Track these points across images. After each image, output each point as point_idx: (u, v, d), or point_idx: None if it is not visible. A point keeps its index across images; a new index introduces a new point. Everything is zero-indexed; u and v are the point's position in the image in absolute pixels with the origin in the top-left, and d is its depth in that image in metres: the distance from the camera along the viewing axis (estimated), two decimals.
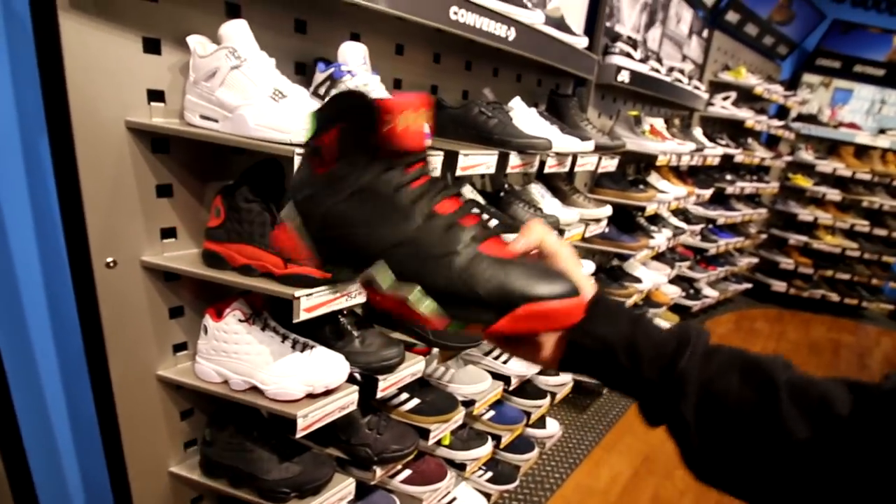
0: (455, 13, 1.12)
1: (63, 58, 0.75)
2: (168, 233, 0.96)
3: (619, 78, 2.02)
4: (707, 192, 3.04)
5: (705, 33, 3.05)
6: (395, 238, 0.43)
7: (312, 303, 0.88)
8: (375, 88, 1.01)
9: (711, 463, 0.40)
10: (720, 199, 3.47)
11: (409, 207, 0.44)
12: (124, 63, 0.83)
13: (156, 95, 0.88)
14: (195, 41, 0.87)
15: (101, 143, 0.82)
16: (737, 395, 0.39)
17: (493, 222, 1.35)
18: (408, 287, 0.42)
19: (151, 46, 0.86)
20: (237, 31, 0.86)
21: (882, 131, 4.34)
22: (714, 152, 2.92)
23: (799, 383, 0.38)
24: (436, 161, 1.06)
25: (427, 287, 0.42)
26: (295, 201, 0.46)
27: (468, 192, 1.46)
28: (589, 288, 0.45)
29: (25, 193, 0.92)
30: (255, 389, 0.95)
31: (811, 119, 4.35)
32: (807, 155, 4.30)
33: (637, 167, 2.60)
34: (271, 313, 1.00)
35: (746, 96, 3.57)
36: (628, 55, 2.05)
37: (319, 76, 1.02)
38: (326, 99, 0.51)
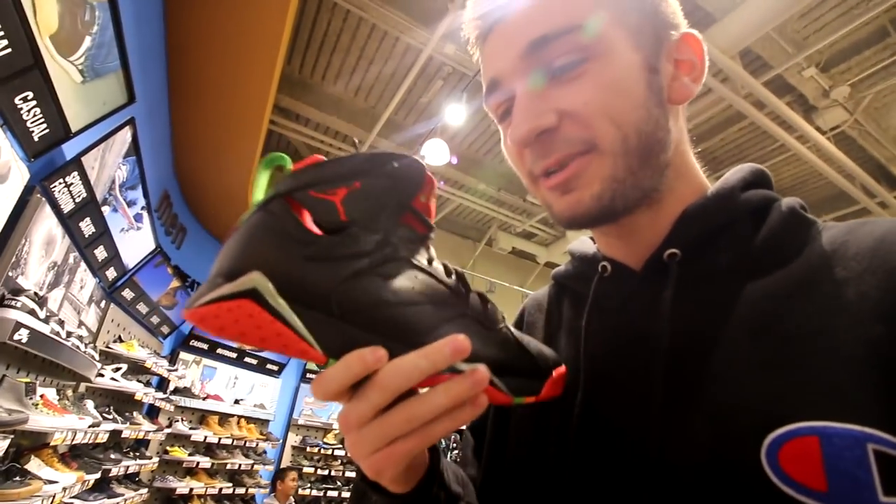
0: None
1: None
2: None
3: (16, 336, 1.62)
4: (93, 478, 2.60)
5: (103, 304, 3.01)
6: (455, 313, 0.37)
7: None
8: None
9: None
10: (100, 485, 3.00)
11: (452, 283, 0.38)
12: None
13: None
14: None
15: None
16: None
17: None
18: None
19: None
20: None
21: (237, 401, 5.35)
22: (106, 428, 2.65)
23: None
24: None
25: (491, 361, 0.37)
26: (271, 274, 0.31)
27: None
28: None
29: None
30: None
31: (186, 392, 4.81)
32: (183, 426, 4.59)
33: (12, 452, 1.94)
34: None
35: (134, 369, 3.59)
36: (32, 312, 1.73)
37: None
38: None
